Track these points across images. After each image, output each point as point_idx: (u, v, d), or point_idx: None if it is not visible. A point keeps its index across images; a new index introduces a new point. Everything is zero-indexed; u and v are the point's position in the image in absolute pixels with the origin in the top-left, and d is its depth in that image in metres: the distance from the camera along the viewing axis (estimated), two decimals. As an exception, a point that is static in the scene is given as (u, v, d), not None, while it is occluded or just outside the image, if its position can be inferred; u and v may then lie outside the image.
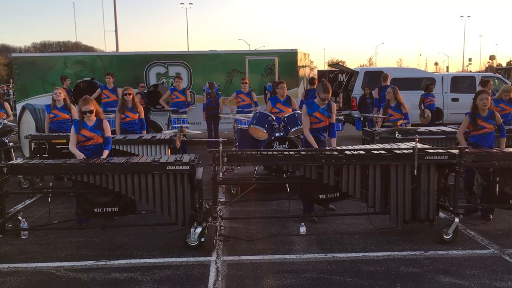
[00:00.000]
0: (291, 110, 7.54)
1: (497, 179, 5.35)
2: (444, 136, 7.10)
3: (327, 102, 5.91)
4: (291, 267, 4.43)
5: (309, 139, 5.87)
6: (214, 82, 10.63)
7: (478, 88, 10.80)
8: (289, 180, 6.00)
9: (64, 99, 7.62)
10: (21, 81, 11.58)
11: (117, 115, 7.46)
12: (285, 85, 7.78)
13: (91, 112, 5.46)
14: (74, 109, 7.91)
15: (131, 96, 7.24)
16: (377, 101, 10.19)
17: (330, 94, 5.87)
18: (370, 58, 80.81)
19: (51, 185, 6.47)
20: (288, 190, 6.12)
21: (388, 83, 10.24)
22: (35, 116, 8.88)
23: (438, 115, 12.62)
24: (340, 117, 9.89)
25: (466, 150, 5.14)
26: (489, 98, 5.70)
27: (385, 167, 5.03)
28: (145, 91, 11.18)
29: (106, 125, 5.64)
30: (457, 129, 6.26)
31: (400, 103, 7.73)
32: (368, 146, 5.71)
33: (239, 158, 5.16)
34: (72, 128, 5.54)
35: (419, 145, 5.01)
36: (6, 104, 8.75)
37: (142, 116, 7.46)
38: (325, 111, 5.91)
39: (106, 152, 5.53)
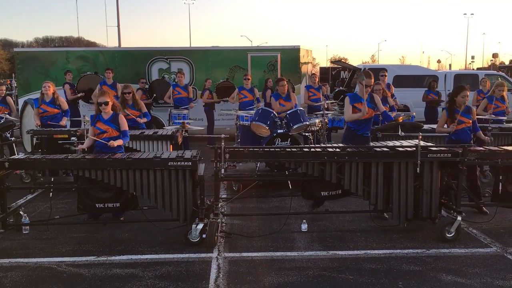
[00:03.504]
0: (290, 104, 7.71)
1: (500, 178, 5.34)
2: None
3: (369, 90, 5.74)
4: (293, 264, 4.42)
5: (353, 117, 5.72)
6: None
7: (480, 87, 10.72)
8: (291, 177, 5.98)
9: (53, 93, 7.68)
10: (23, 76, 11.59)
11: None
12: (285, 82, 7.91)
13: (106, 103, 5.42)
14: (64, 102, 7.95)
15: (131, 94, 7.27)
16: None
17: (373, 79, 5.76)
18: (373, 55, 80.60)
19: (52, 180, 6.46)
20: (290, 187, 6.10)
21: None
22: (37, 111, 8.84)
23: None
24: (342, 115, 9.83)
25: (470, 148, 5.11)
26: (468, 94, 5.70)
27: (387, 164, 5.01)
28: (146, 87, 11.18)
29: (122, 119, 5.59)
30: None
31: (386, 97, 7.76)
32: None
33: (241, 154, 5.14)
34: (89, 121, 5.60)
35: (422, 143, 4.98)
36: (9, 99, 8.73)
37: (145, 110, 7.51)
38: (368, 103, 5.73)
39: (120, 141, 5.38)
